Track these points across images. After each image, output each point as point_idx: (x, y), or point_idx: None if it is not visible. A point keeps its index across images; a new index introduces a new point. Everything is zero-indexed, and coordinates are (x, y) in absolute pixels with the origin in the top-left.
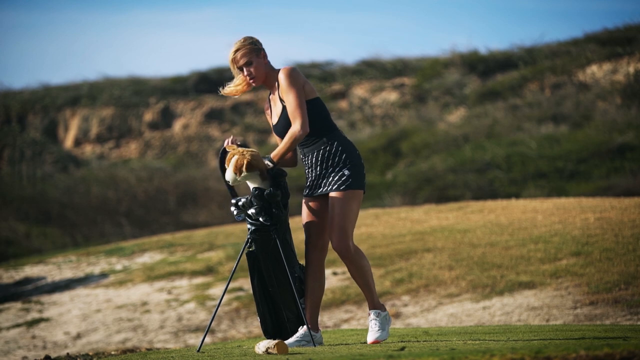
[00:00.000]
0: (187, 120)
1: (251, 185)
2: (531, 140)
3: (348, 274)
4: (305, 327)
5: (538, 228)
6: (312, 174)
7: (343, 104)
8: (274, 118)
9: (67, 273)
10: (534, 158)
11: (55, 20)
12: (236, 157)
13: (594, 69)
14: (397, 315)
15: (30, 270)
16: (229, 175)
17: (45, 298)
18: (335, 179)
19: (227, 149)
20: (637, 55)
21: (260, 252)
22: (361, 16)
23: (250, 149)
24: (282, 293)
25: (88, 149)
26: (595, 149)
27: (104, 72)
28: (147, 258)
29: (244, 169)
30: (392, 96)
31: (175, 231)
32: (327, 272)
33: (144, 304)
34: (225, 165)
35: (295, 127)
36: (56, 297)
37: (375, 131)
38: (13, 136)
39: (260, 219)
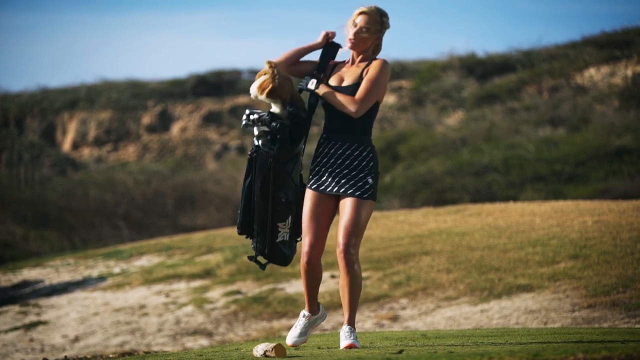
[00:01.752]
0: (185, 123)
1: (272, 107)
2: (529, 143)
3: None
4: (306, 314)
5: (536, 231)
6: (329, 167)
7: None
8: (345, 81)
9: (65, 276)
10: (532, 161)
11: (53, 22)
12: (265, 77)
13: (591, 72)
14: (395, 319)
15: (28, 274)
16: (253, 90)
17: (43, 301)
18: (358, 185)
19: (266, 64)
20: (635, 59)
21: (257, 166)
22: None
23: (284, 75)
24: (259, 208)
25: (86, 152)
26: (593, 152)
27: (102, 75)
28: (145, 261)
29: (265, 92)
30: (390, 99)
31: (173, 234)
32: (326, 274)
33: (142, 307)
34: (256, 77)
35: (355, 105)
36: (54, 300)
37: (373, 134)
38: (11, 139)
39: (259, 142)
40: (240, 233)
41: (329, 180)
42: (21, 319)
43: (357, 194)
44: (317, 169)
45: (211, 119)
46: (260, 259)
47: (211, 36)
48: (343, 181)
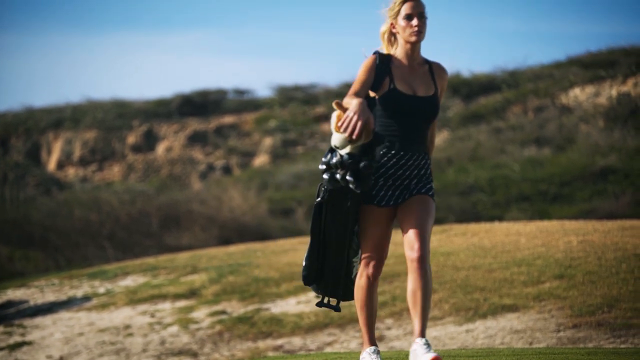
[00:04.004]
0: (170, 143)
1: (345, 149)
2: (514, 163)
3: None
4: (373, 350)
5: (521, 251)
6: (397, 179)
7: (326, 127)
8: (418, 89)
9: (50, 296)
10: (517, 181)
11: (38, 42)
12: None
13: (576, 92)
14: (381, 339)
15: (13, 294)
16: (341, 141)
17: (27, 321)
18: (425, 185)
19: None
20: (619, 78)
21: (332, 208)
22: (344, 39)
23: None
24: (336, 249)
25: (71, 172)
26: (578, 172)
27: (87, 95)
28: (130, 281)
29: (355, 145)
30: None
31: (158, 254)
32: (311, 295)
33: (127, 327)
34: (334, 129)
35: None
36: (39, 320)
37: None
38: None
39: (350, 185)
40: (308, 283)
41: (396, 193)
42: (5, 339)
43: (423, 190)
44: (381, 180)
45: (196, 138)
46: (332, 300)
47: (196, 56)
48: (409, 190)
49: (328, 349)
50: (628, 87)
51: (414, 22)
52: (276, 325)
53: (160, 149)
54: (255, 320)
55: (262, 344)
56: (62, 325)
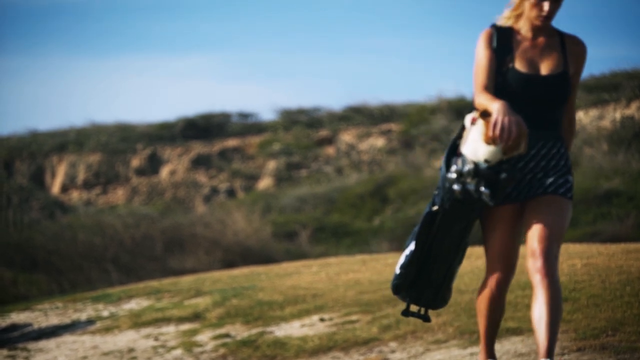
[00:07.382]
0: (174, 166)
1: (482, 150)
2: None
3: (336, 320)
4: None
5: (525, 274)
6: (526, 173)
7: (330, 150)
8: (541, 66)
9: (54, 319)
10: None
11: (42, 66)
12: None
13: (580, 115)
14: None
15: (17, 317)
16: (495, 154)
17: (31, 345)
18: (559, 182)
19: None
20: (623, 102)
21: (448, 218)
22: (348, 62)
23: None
24: (444, 259)
25: (75, 195)
26: (582, 195)
27: (91, 119)
28: (133, 304)
29: (507, 155)
30: (379, 142)
31: (162, 277)
32: (314, 318)
33: (131, 350)
34: (483, 140)
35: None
36: (42, 343)
37: (362, 177)
38: (0, 183)
39: (484, 198)
40: (397, 292)
41: (522, 187)
42: None
43: (560, 190)
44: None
45: (200, 162)
46: (422, 310)
47: (200, 79)
48: (540, 183)
49: None
50: (632, 110)
51: (546, 7)
52: (280, 349)
53: (164, 172)
54: (259, 343)
55: None
56: (66, 348)
